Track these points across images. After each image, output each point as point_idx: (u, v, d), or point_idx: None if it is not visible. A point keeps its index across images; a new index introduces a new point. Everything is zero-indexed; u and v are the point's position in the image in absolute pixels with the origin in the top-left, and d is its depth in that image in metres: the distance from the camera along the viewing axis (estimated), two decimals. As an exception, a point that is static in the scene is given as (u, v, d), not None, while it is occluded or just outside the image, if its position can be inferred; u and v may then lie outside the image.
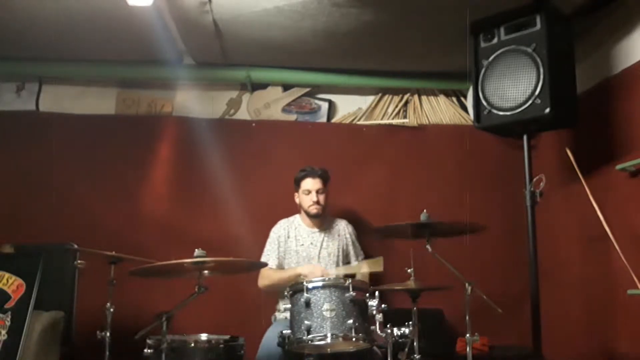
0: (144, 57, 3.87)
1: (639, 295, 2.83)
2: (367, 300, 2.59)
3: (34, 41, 3.60)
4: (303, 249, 3.44)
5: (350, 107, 4.20)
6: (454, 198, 3.94)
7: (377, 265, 3.17)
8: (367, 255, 3.62)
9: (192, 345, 2.64)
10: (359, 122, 4.14)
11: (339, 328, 2.49)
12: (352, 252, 3.56)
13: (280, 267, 3.44)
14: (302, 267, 3.29)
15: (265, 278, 3.39)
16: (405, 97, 4.18)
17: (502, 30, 3.03)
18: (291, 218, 3.57)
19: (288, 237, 3.47)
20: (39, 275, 2.95)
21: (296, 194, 3.50)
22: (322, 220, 3.52)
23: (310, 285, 2.57)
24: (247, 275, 3.40)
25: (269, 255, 3.44)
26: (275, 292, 3.40)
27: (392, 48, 3.69)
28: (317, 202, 3.39)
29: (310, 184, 3.41)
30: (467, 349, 2.59)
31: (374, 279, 3.43)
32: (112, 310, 2.83)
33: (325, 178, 3.45)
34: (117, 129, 3.99)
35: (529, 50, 2.89)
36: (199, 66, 4.02)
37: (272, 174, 3.95)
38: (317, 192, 3.40)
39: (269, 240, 3.50)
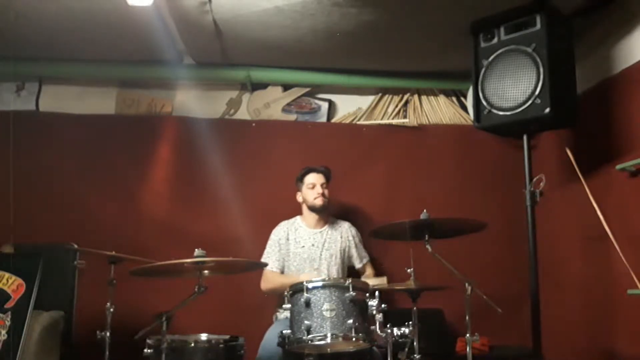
0: (144, 57, 3.87)
1: (639, 295, 2.83)
2: (367, 300, 2.59)
3: (34, 41, 3.60)
4: (304, 251, 3.44)
5: (350, 107, 4.20)
6: (454, 198, 3.95)
7: (380, 281, 3.15)
8: (371, 257, 3.64)
9: (192, 345, 2.64)
10: (359, 122, 4.14)
11: (339, 328, 2.49)
12: (355, 255, 3.56)
13: (282, 269, 3.44)
14: (304, 275, 3.28)
15: (269, 282, 3.39)
16: (405, 97, 4.18)
17: (502, 30, 3.02)
18: (292, 219, 3.57)
19: (287, 240, 3.47)
20: (39, 275, 2.95)
21: (299, 192, 3.51)
22: (325, 220, 3.52)
23: (310, 285, 2.57)
24: (247, 275, 3.40)
25: (269, 258, 3.44)
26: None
27: (392, 48, 3.69)
28: (323, 195, 3.43)
29: (314, 177, 3.46)
30: (467, 349, 2.60)
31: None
32: (112, 310, 2.83)
33: (327, 175, 3.50)
34: (117, 129, 3.99)
35: (529, 50, 2.89)
36: (199, 66, 4.01)
37: (272, 174, 3.95)
38: (322, 185, 3.45)
39: (269, 243, 3.50)
